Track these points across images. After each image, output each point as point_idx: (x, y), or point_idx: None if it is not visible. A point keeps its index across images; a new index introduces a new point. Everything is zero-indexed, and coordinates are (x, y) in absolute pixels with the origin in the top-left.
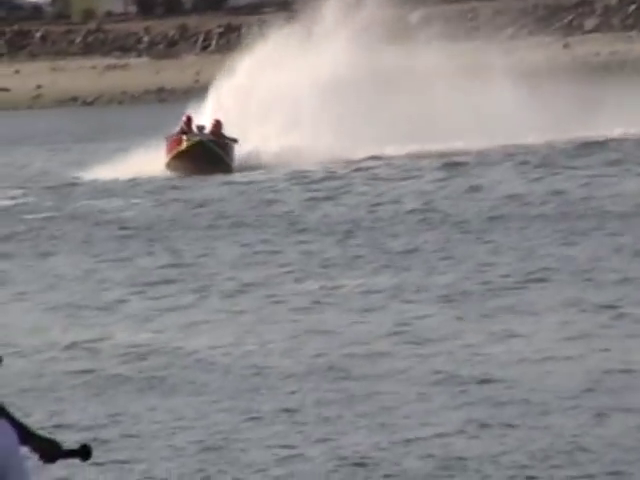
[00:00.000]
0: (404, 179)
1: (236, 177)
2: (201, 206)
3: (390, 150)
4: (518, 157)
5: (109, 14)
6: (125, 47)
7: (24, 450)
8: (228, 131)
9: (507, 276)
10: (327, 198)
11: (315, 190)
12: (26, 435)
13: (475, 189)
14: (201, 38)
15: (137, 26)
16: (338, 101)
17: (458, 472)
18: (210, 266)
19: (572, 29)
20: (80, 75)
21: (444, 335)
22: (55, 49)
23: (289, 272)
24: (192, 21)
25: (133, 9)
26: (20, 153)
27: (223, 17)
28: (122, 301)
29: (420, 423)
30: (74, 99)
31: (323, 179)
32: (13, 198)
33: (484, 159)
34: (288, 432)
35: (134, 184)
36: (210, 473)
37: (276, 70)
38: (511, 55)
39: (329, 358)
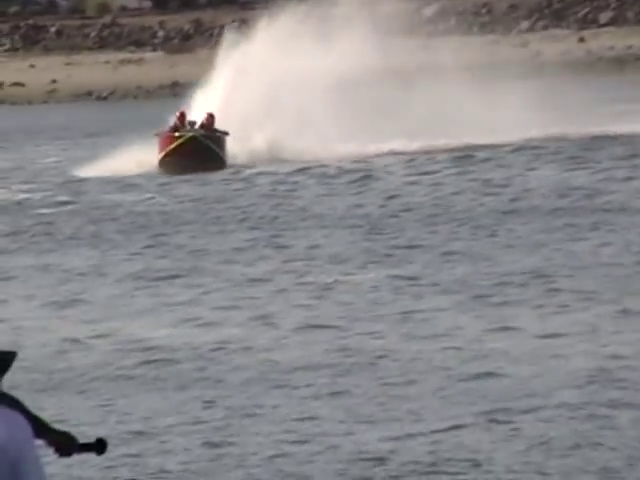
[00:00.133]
0: (416, 174)
1: (251, 171)
2: (218, 202)
3: (402, 145)
4: (532, 151)
5: (124, 8)
6: (140, 41)
7: (39, 443)
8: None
9: (516, 272)
10: (340, 192)
11: (328, 184)
12: (41, 428)
13: (489, 184)
14: (216, 32)
15: (152, 20)
16: (351, 95)
17: (463, 468)
18: (219, 259)
19: (587, 23)
20: (95, 69)
21: (452, 329)
22: (70, 43)
23: (303, 265)
24: (207, 15)
25: (148, 3)
26: (33, 147)
27: (238, 11)
28: (132, 296)
29: (428, 417)
30: (89, 93)
31: (337, 174)
32: (25, 192)
33: (496, 154)
34: (300, 427)
35: (149, 178)
36: (221, 467)
37: (289, 64)
38: (526, 49)
39: (338, 352)
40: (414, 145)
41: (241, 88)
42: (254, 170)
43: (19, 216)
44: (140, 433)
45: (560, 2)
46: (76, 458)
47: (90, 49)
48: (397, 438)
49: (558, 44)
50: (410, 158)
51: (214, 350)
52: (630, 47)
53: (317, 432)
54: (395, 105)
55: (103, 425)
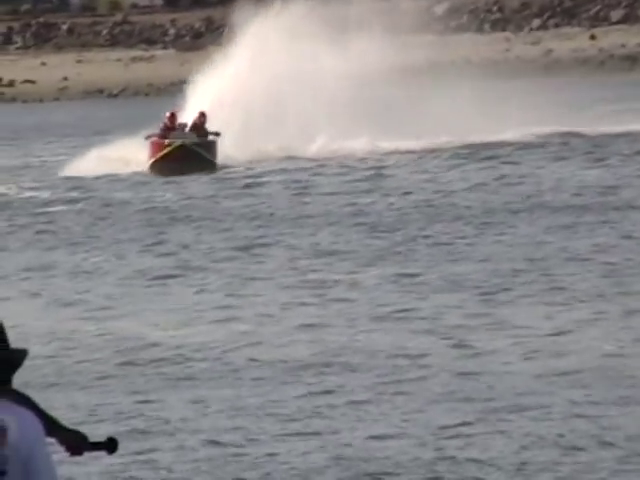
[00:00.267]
0: (426, 172)
1: (259, 169)
2: (223, 199)
3: (411, 143)
4: (542, 149)
5: (135, 6)
6: (151, 39)
7: (50, 441)
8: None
9: (521, 270)
10: (351, 191)
11: (342, 182)
12: (52, 427)
13: (502, 181)
14: (227, 30)
15: (163, 18)
16: (364, 93)
17: (464, 467)
18: (227, 259)
19: (598, 20)
20: (106, 67)
21: (458, 327)
22: (81, 41)
23: (312, 263)
24: (218, 13)
25: (159, 1)
26: (44, 144)
27: (250, 9)
28: (142, 293)
29: (432, 415)
30: (100, 91)
31: (349, 172)
32: (33, 190)
33: (506, 151)
34: (310, 424)
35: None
36: (231, 464)
37: (300, 62)
38: (537, 47)
39: (342, 351)
40: (423, 143)
41: (250, 82)
42: (262, 167)
43: (24, 213)
44: (145, 432)
45: (571, 0)
46: (87, 456)
47: (101, 47)
48: (397, 437)
49: (569, 42)
50: (419, 156)
51: (220, 347)
52: None
53: (319, 430)
54: (405, 103)
55: (109, 423)
